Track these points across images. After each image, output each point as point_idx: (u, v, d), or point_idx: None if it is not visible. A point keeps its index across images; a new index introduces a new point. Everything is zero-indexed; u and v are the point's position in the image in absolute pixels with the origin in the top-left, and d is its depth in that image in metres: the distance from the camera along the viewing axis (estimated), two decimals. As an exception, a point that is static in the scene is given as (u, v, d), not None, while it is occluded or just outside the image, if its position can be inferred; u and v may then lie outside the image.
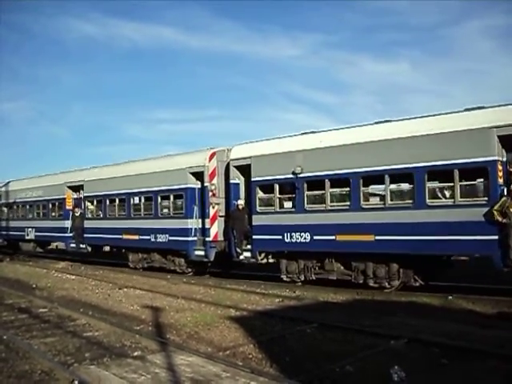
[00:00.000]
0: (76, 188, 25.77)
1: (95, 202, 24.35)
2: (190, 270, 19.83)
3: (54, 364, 7.53)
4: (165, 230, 19.68)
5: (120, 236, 22.13)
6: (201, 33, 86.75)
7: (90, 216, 24.55)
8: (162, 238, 19.81)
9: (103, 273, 21.86)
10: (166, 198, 20.06)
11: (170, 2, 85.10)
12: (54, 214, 27.58)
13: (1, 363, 7.72)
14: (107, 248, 26.30)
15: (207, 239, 18.08)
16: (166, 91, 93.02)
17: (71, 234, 25.44)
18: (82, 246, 24.77)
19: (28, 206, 30.06)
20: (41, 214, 28.79)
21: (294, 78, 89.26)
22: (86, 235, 24.46)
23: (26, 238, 29.67)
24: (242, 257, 17.20)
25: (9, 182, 32.93)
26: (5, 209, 32.92)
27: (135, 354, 8.16)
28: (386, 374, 6.62)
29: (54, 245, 31.85)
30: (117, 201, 22.73)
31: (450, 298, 12.69)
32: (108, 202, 23.25)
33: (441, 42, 72.71)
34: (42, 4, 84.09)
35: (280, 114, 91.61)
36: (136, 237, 21.19)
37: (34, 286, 17.31)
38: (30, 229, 29.22)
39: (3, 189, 32.83)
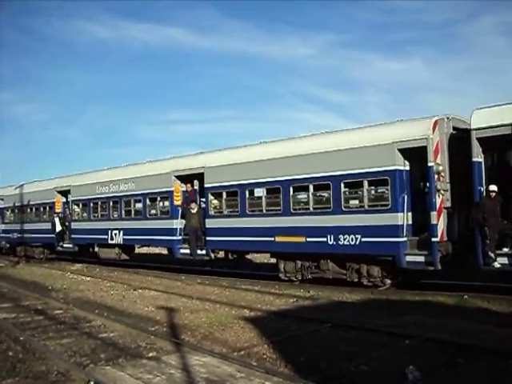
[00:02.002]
0: (187, 178, 20.08)
1: (224, 195, 18.24)
2: (388, 281, 14.64)
3: (70, 365, 7.60)
4: (354, 229, 14.47)
5: (270, 238, 16.47)
6: (212, 33, 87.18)
7: (213, 213, 18.67)
8: (347, 240, 14.59)
9: (118, 274, 21.94)
10: (355, 184, 14.77)
11: (180, 3, 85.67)
12: (154, 211, 21.43)
13: (18, 364, 7.82)
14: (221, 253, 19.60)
15: (434, 239, 13.15)
16: (179, 92, 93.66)
17: (180, 237, 19.82)
18: (200, 252, 18.92)
19: (111, 203, 23.48)
20: (132, 212, 22.45)
21: (306, 78, 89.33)
22: (208, 238, 18.61)
23: (110, 242, 23.32)
24: (496, 264, 12.46)
25: (80, 175, 26.68)
26: (76, 207, 26.34)
27: (150, 354, 8.20)
28: (401, 374, 6.59)
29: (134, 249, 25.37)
30: (264, 192, 17.05)
31: (466, 297, 12.55)
32: (247, 193, 17.51)
33: (454, 39, 72.29)
34: (53, 7, 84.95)
35: (293, 113, 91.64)
36: (300, 239, 15.65)
37: (50, 287, 17.46)
38: (115, 231, 22.89)
39: (75, 183, 26.14)
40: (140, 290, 16.31)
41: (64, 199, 27.70)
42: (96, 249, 25.16)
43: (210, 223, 18.63)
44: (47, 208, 28.58)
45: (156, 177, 20.92)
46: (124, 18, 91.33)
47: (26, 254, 30.93)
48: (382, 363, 7.32)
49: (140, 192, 21.76)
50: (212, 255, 18.69)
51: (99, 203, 24.49)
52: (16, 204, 31.90)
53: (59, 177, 28.67)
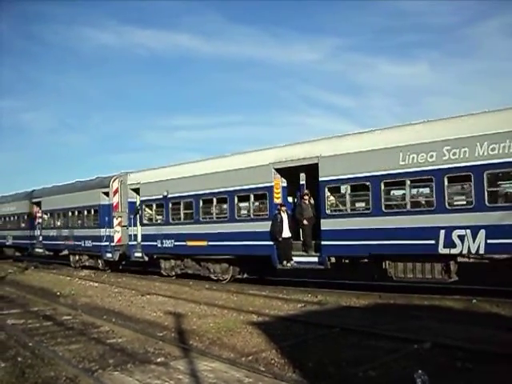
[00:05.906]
0: None
1: None
2: None
3: (79, 370, 7.61)
4: None
5: None
6: (217, 38, 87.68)
7: None
8: None
9: (126, 280, 21.99)
10: None
11: (184, 8, 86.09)
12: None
13: (27, 369, 7.84)
14: None
15: None
16: (184, 98, 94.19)
17: None
18: None
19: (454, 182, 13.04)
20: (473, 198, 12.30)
21: (312, 82, 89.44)
22: None
23: (442, 251, 12.88)
24: None
25: (339, 138, 15.79)
26: (330, 194, 15.66)
27: (158, 360, 8.21)
28: (410, 379, 6.56)
29: None
30: None
31: (475, 301, 12.49)
32: None
33: (460, 42, 72.14)
34: (58, 13, 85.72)
35: (299, 118, 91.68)
36: None
37: (58, 293, 17.52)
38: (460, 231, 12.51)
39: (330, 152, 15.51)
40: (148, 296, 16.34)
41: (284, 182, 17.45)
42: (386, 264, 14.25)
43: None
44: (251, 198, 17.96)
45: None
46: (129, 24, 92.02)
47: (187, 272, 20.81)
48: (391, 368, 7.29)
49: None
50: None
51: (407, 183, 13.68)
52: (169, 195, 21.22)
53: (277, 146, 17.80)
